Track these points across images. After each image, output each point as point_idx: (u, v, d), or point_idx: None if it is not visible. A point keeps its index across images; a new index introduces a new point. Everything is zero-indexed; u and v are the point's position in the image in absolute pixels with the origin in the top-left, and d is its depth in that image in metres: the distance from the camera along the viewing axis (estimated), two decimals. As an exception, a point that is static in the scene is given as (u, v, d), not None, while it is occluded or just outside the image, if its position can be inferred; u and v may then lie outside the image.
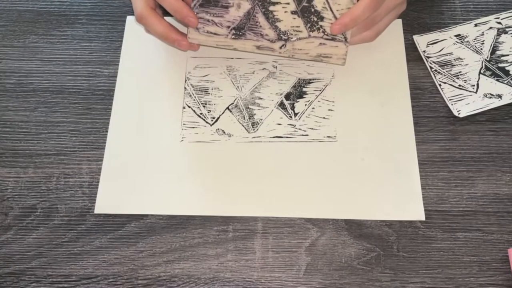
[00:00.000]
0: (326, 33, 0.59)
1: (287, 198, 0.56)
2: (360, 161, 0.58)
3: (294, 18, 0.59)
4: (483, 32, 0.66)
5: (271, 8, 0.59)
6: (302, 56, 0.61)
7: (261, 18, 0.59)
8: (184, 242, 0.55)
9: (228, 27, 0.60)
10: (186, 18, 0.59)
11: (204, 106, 0.62)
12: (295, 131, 0.60)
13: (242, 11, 0.59)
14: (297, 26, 0.60)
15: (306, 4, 0.59)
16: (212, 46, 0.62)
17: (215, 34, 0.60)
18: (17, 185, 0.58)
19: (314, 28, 0.59)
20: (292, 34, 0.60)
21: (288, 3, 0.59)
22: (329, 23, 0.59)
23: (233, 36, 0.61)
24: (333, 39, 0.60)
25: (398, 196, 0.56)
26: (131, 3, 0.64)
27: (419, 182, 0.57)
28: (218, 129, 0.60)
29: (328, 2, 0.58)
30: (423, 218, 0.55)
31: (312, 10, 0.59)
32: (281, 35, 0.60)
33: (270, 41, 0.60)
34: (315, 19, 0.59)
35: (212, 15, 0.59)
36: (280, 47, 0.61)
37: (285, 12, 0.59)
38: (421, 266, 0.53)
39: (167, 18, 0.63)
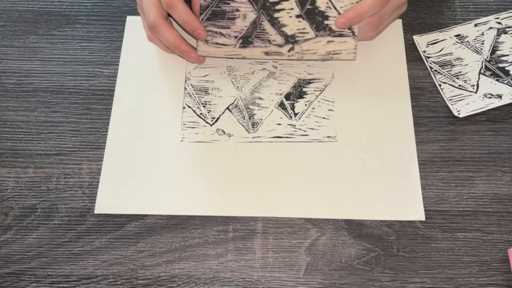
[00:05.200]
0: (332, 30, 0.60)
1: (287, 198, 0.56)
2: (360, 161, 0.58)
3: (299, 21, 0.60)
4: (483, 32, 0.66)
5: (276, 15, 0.60)
6: (312, 56, 0.61)
7: (267, 25, 0.60)
8: (184, 242, 0.55)
9: (236, 37, 0.60)
10: (195, 31, 0.59)
11: (204, 106, 0.62)
12: (295, 131, 0.60)
13: (248, 21, 0.60)
14: (303, 28, 0.60)
15: (310, 7, 0.59)
16: (221, 57, 0.62)
17: (223, 45, 0.61)
18: (17, 185, 0.58)
19: (320, 27, 0.60)
20: (299, 37, 0.60)
21: (292, 8, 0.59)
22: (334, 21, 0.59)
23: (241, 45, 0.61)
24: (340, 35, 0.60)
25: (398, 196, 0.56)
26: (135, 4, 0.64)
27: (419, 182, 0.57)
28: (218, 129, 0.60)
29: (331, 1, 0.58)
30: (423, 218, 0.55)
31: (316, 11, 0.59)
32: (288, 39, 0.60)
33: (278, 46, 0.61)
34: (320, 19, 0.59)
35: (219, 27, 0.60)
36: (288, 51, 0.61)
37: (290, 17, 0.60)
38: (421, 266, 0.53)
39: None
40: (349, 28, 0.59)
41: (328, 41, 0.60)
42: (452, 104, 0.61)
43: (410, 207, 0.56)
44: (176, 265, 0.53)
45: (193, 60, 0.62)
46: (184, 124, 0.61)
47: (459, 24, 0.67)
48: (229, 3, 0.59)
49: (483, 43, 0.65)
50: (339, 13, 0.59)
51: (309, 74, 0.64)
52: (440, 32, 0.66)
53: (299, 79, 0.63)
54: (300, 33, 0.60)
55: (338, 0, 0.58)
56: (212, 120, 0.61)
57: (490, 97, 0.61)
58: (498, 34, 0.65)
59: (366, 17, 0.59)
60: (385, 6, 0.59)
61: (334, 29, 0.60)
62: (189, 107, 0.62)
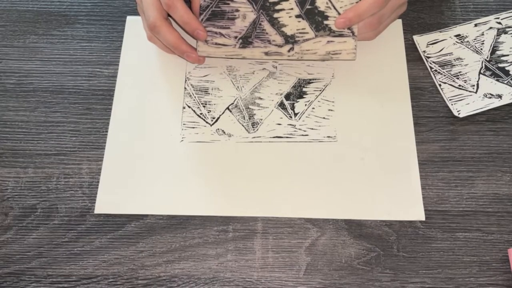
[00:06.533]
0: (332, 30, 0.60)
1: (287, 198, 0.56)
2: (360, 161, 0.58)
3: (299, 21, 0.60)
4: (483, 32, 0.66)
5: (276, 15, 0.60)
6: (311, 56, 0.61)
7: (266, 26, 0.60)
8: (184, 242, 0.55)
9: (236, 37, 0.60)
10: (195, 31, 0.59)
11: (204, 106, 0.62)
12: (295, 131, 0.60)
13: (248, 21, 0.60)
14: (302, 29, 0.60)
15: (310, 7, 0.59)
16: (221, 57, 0.62)
17: (223, 45, 0.61)
18: (17, 185, 0.58)
19: (320, 28, 0.60)
20: (298, 37, 0.60)
21: (291, 8, 0.59)
22: (334, 21, 0.59)
23: (241, 46, 0.61)
24: (340, 35, 0.60)
25: (398, 196, 0.56)
26: (135, 4, 0.64)
27: (419, 182, 0.57)
28: (218, 129, 0.60)
29: (330, 1, 0.58)
30: (423, 218, 0.55)
31: (316, 11, 0.59)
32: (288, 39, 0.60)
33: (278, 46, 0.61)
34: (320, 19, 0.59)
35: (219, 27, 0.60)
36: (288, 51, 0.61)
37: (290, 17, 0.60)
38: (421, 266, 0.53)
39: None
40: (348, 28, 0.59)
41: (328, 41, 0.60)
42: (452, 104, 0.61)
43: (410, 207, 0.56)
44: (176, 265, 0.53)
45: (193, 61, 0.62)
46: (184, 124, 0.61)
47: (459, 24, 0.67)
48: (228, 3, 0.59)
49: (483, 43, 0.65)
50: (339, 13, 0.59)
51: (309, 74, 0.64)
52: (440, 32, 0.66)
53: (299, 79, 0.63)
54: (300, 33, 0.60)
55: (337, 0, 0.58)
56: (212, 120, 0.61)
57: (490, 97, 0.61)
58: (498, 34, 0.65)
59: (366, 17, 0.59)
60: (385, 7, 0.59)
61: (334, 29, 0.60)
62: (189, 107, 0.62)
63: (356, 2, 0.58)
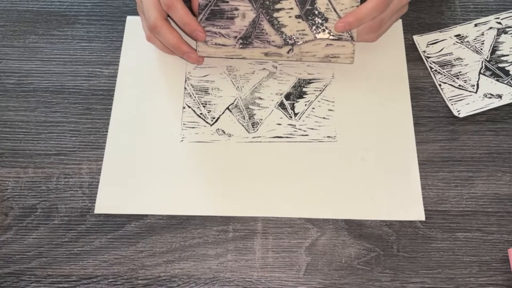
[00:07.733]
0: (332, 33, 0.60)
1: (287, 198, 0.56)
2: (360, 161, 0.58)
3: (299, 22, 0.60)
4: (483, 32, 0.66)
5: (275, 14, 0.59)
6: (310, 58, 0.61)
7: (266, 26, 0.60)
8: (184, 242, 0.55)
9: (235, 37, 0.60)
10: (194, 32, 0.59)
11: (204, 106, 0.62)
12: (295, 131, 0.60)
13: (248, 21, 0.60)
14: (302, 30, 0.60)
15: (310, 7, 0.59)
16: (221, 57, 0.62)
17: (223, 45, 0.61)
18: (17, 185, 0.58)
19: (320, 29, 0.60)
20: (298, 38, 0.60)
21: (291, 8, 0.59)
22: (334, 24, 0.59)
23: (240, 46, 0.61)
24: (339, 39, 0.60)
25: (398, 196, 0.56)
26: (135, 4, 0.64)
27: (419, 182, 0.57)
28: (218, 129, 0.60)
29: (331, 3, 0.58)
30: (423, 218, 0.55)
31: (316, 12, 0.59)
32: (288, 40, 0.60)
33: (277, 47, 0.61)
34: (320, 21, 0.59)
35: (218, 27, 0.60)
36: (288, 52, 0.61)
37: (289, 17, 0.60)
38: (421, 266, 0.53)
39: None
40: (347, 32, 0.59)
41: (327, 44, 0.60)
42: (452, 104, 0.61)
43: (410, 207, 0.56)
44: (176, 265, 0.53)
45: (193, 61, 0.63)
46: (184, 124, 0.61)
47: (459, 24, 0.67)
48: (227, 2, 0.59)
49: (483, 43, 0.65)
50: (339, 16, 0.59)
51: (309, 74, 0.64)
52: (440, 32, 0.66)
53: (299, 79, 0.63)
54: (300, 34, 0.60)
55: (338, 2, 0.58)
56: (212, 120, 0.61)
57: (490, 97, 0.61)
58: (498, 34, 0.65)
59: (366, 21, 0.59)
60: (385, 11, 0.59)
61: (333, 32, 0.60)
62: (189, 107, 0.62)
63: (357, 6, 0.58)
